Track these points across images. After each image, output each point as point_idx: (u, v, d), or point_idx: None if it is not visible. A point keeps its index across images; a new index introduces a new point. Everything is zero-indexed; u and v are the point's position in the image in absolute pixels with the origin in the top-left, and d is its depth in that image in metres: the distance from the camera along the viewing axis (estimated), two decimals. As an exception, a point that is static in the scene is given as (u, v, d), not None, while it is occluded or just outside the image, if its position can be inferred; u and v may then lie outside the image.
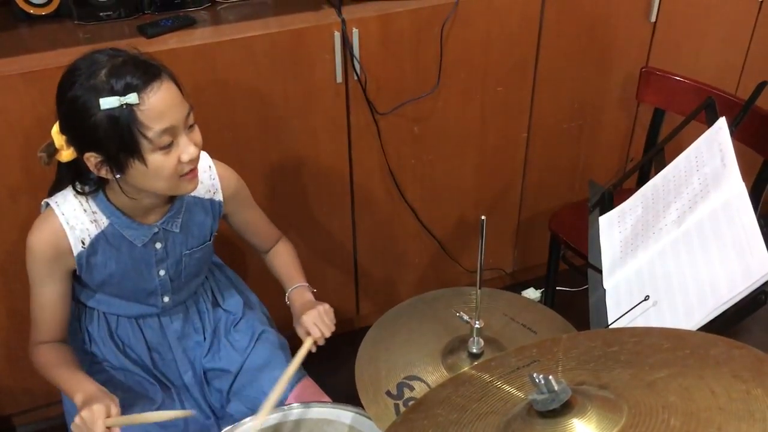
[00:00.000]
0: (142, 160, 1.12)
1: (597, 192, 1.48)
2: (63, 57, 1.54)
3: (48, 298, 1.28)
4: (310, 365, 1.50)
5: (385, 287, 2.23)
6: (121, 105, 1.07)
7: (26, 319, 1.78)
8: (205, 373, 1.44)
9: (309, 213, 1.98)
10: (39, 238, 1.24)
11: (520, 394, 0.84)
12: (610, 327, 1.15)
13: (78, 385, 1.26)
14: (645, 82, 1.94)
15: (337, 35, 1.72)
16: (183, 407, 1.40)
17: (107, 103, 1.07)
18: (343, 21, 1.71)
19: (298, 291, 1.44)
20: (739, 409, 0.71)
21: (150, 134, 1.10)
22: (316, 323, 1.34)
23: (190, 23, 1.69)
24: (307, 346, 1.32)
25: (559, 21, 1.94)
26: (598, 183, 1.53)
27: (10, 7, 1.70)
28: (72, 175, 1.22)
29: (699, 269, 1.11)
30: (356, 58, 1.76)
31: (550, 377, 0.75)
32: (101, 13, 1.68)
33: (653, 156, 1.42)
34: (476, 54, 1.90)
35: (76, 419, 1.19)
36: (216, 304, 1.49)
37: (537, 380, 0.76)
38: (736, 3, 2.11)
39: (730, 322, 1.04)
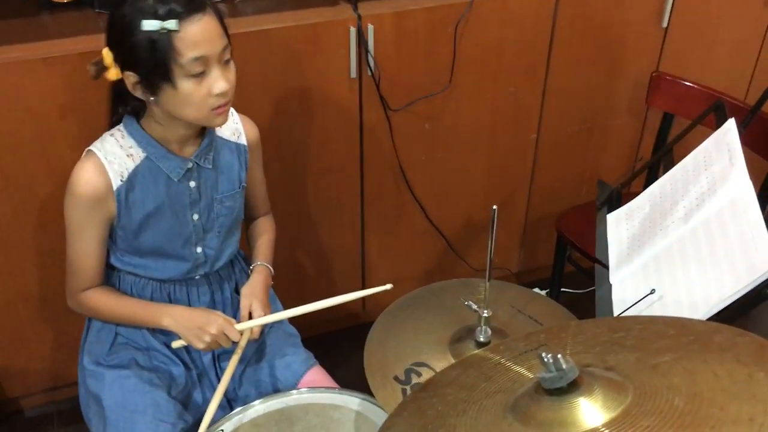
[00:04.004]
0: (173, 84, 1.18)
1: (605, 191, 1.50)
2: (84, 44, 1.58)
3: (88, 244, 1.32)
4: (315, 357, 1.52)
5: (392, 283, 2.24)
6: (161, 29, 1.13)
7: (36, 301, 1.82)
8: (218, 355, 1.46)
9: (319, 206, 2.00)
10: (79, 177, 1.27)
11: (529, 374, 0.86)
12: (615, 319, 1.17)
13: (160, 311, 1.36)
14: (655, 87, 1.96)
15: (353, 31, 1.74)
16: (202, 390, 1.43)
17: (148, 25, 1.13)
18: (359, 17, 1.74)
19: (266, 269, 1.50)
20: (741, 391, 0.73)
21: (182, 60, 1.15)
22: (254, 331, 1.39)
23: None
24: (246, 338, 1.37)
25: (572, 24, 1.97)
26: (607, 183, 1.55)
27: (34, -6, 1.73)
28: (115, 98, 1.29)
29: (704, 265, 1.13)
30: (371, 54, 1.79)
31: (559, 356, 0.77)
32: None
33: (662, 156, 1.45)
34: (489, 54, 1.93)
35: (206, 337, 1.30)
36: (236, 292, 1.52)
37: (546, 359, 0.78)
38: (747, 11, 2.13)
39: (735, 315, 1.05)
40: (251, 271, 1.49)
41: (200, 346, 1.32)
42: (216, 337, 1.31)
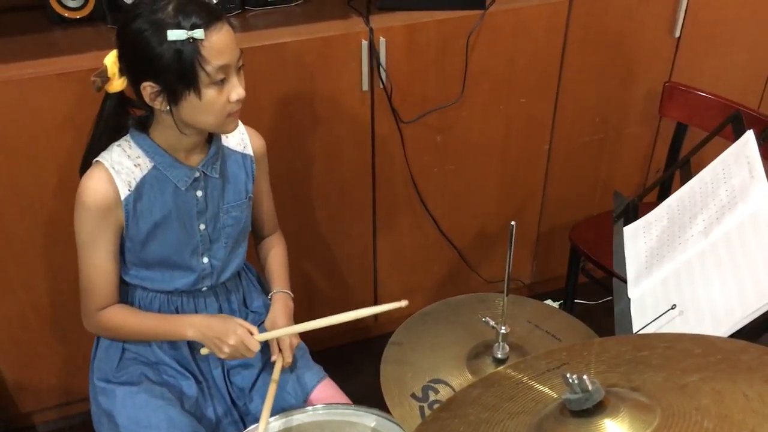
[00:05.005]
0: (198, 92, 1.19)
1: (621, 203, 1.49)
2: (97, 60, 1.56)
3: (100, 257, 1.31)
4: (326, 370, 1.51)
5: (403, 296, 2.21)
6: (188, 38, 1.15)
7: (49, 315, 1.82)
8: (228, 370, 1.46)
9: (331, 219, 1.99)
10: (87, 187, 1.27)
11: (553, 394, 0.85)
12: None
13: (181, 323, 1.35)
14: (668, 97, 1.95)
15: (365, 44, 1.74)
16: (213, 404, 1.42)
17: (175, 35, 1.14)
18: (371, 30, 1.74)
19: (286, 296, 1.49)
20: (772, 412, 0.72)
21: (208, 68, 1.17)
22: (291, 350, 1.41)
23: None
24: (279, 365, 1.38)
25: (584, 34, 1.96)
26: (622, 194, 1.54)
27: (45, 10, 1.73)
28: (116, 111, 1.29)
29: (726, 279, 1.12)
30: (383, 67, 1.78)
31: (584, 377, 0.75)
32: (134, 18, 1.71)
33: (679, 167, 1.43)
34: (501, 65, 1.92)
35: (225, 348, 1.30)
36: (244, 305, 1.51)
37: (571, 380, 0.76)
38: (760, 20, 2.12)
39: (759, 332, 1.04)
40: (270, 301, 1.48)
41: (222, 356, 1.32)
42: (235, 348, 1.30)
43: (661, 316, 1.15)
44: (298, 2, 1.88)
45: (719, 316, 1.08)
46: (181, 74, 1.17)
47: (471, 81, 1.90)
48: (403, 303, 1.26)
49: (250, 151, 1.43)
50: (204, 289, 1.42)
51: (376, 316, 2.25)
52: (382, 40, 1.75)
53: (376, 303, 2.22)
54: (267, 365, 1.45)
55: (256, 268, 1.60)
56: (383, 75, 1.79)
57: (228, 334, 1.30)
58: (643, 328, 1.16)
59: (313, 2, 1.89)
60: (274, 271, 1.53)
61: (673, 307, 1.14)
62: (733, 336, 1.06)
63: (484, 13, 1.82)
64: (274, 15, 1.83)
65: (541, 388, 0.87)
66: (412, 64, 1.82)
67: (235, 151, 1.41)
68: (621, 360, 0.88)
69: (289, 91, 1.75)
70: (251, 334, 1.32)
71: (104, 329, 1.38)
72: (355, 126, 1.86)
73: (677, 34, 2.04)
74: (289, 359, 1.39)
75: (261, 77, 1.71)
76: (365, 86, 1.80)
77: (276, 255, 1.56)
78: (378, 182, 1.98)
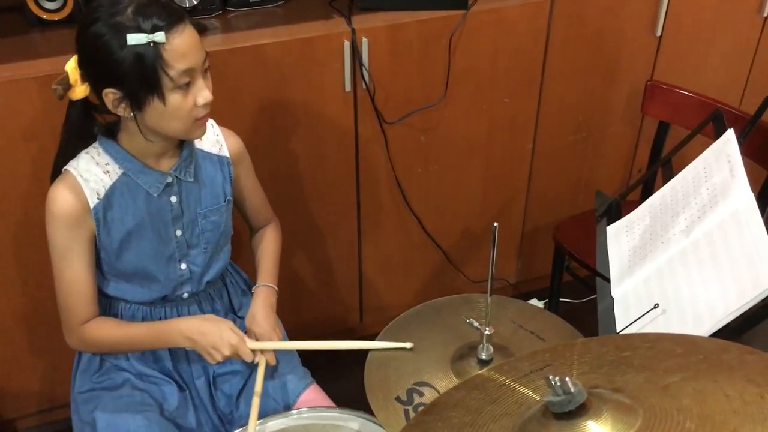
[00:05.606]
0: (162, 98, 1.15)
1: (604, 202, 1.49)
2: (76, 62, 1.56)
3: (77, 269, 1.27)
4: (312, 374, 1.50)
5: (389, 297, 2.24)
6: (148, 42, 1.11)
7: (31, 322, 1.80)
8: (214, 378, 1.44)
9: (315, 221, 1.99)
10: (55, 197, 1.24)
11: (535, 396, 0.85)
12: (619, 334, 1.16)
13: (170, 330, 1.32)
14: (650, 96, 1.96)
15: (347, 44, 1.73)
16: (196, 412, 1.40)
17: (134, 39, 1.11)
18: (353, 30, 1.73)
19: (269, 290, 1.46)
20: (753, 412, 0.72)
21: (172, 72, 1.14)
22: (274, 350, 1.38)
23: (201, 30, 1.70)
24: (263, 369, 1.35)
25: (566, 34, 1.96)
26: (604, 194, 1.55)
27: (23, 12, 1.71)
28: (81, 118, 1.25)
29: (708, 278, 1.12)
30: (365, 67, 1.78)
31: (567, 379, 0.75)
32: (114, 20, 1.69)
33: (661, 166, 1.44)
34: (483, 65, 1.92)
35: (218, 356, 1.27)
36: (231, 311, 1.50)
37: (553, 382, 0.76)
38: (741, 18, 2.14)
39: (740, 330, 1.04)
40: (252, 294, 1.46)
41: (212, 362, 1.31)
42: (229, 358, 1.30)
43: (643, 315, 1.15)
44: (280, 3, 1.87)
45: (701, 315, 1.09)
46: (143, 80, 1.13)
47: (454, 81, 1.90)
48: (408, 345, 1.26)
49: (226, 153, 1.40)
50: (186, 296, 1.40)
51: (361, 317, 2.24)
52: (364, 40, 1.74)
53: (361, 304, 2.22)
54: (255, 371, 1.44)
55: (246, 273, 1.59)
56: (366, 75, 1.79)
57: (223, 344, 1.28)
58: (626, 327, 1.16)
59: (295, 3, 1.88)
60: (260, 264, 1.50)
61: (656, 306, 1.15)
62: (715, 334, 1.06)
63: (466, 13, 1.82)
64: (255, 16, 1.82)
65: (524, 390, 0.87)
66: (395, 64, 1.82)
67: (210, 153, 1.38)
68: (603, 361, 0.88)
69: (271, 92, 1.74)
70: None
71: (88, 344, 1.34)
72: (339, 127, 1.85)
73: (659, 33, 2.05)
74: (272, 361, 1.37)
75: (243, 79, 1.70)
76: (348, 87, 1.79)
77: (265, 247, 1.53)
78: (362, 183, 1.97)
